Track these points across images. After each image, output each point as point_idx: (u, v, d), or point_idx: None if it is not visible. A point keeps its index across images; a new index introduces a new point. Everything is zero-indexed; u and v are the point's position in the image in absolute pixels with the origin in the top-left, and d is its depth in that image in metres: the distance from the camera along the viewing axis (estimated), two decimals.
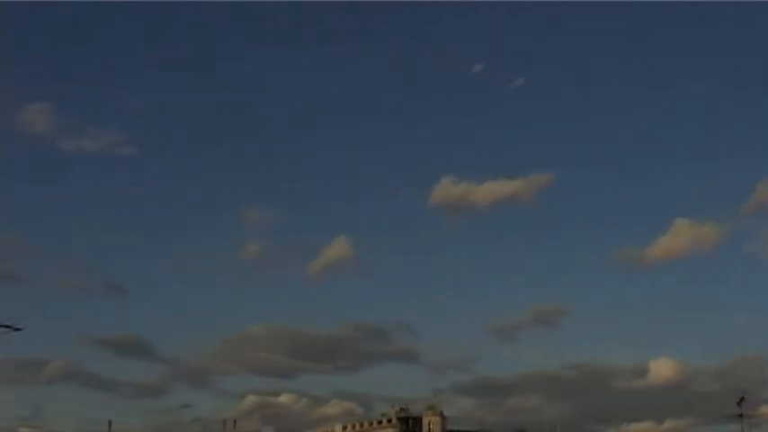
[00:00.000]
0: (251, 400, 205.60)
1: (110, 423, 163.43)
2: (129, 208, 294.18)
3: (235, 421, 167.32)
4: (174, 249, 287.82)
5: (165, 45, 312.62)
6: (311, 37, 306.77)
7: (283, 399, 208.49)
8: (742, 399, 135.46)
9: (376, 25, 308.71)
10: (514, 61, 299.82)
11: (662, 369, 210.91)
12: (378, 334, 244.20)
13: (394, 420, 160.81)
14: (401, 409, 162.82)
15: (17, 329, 78.29)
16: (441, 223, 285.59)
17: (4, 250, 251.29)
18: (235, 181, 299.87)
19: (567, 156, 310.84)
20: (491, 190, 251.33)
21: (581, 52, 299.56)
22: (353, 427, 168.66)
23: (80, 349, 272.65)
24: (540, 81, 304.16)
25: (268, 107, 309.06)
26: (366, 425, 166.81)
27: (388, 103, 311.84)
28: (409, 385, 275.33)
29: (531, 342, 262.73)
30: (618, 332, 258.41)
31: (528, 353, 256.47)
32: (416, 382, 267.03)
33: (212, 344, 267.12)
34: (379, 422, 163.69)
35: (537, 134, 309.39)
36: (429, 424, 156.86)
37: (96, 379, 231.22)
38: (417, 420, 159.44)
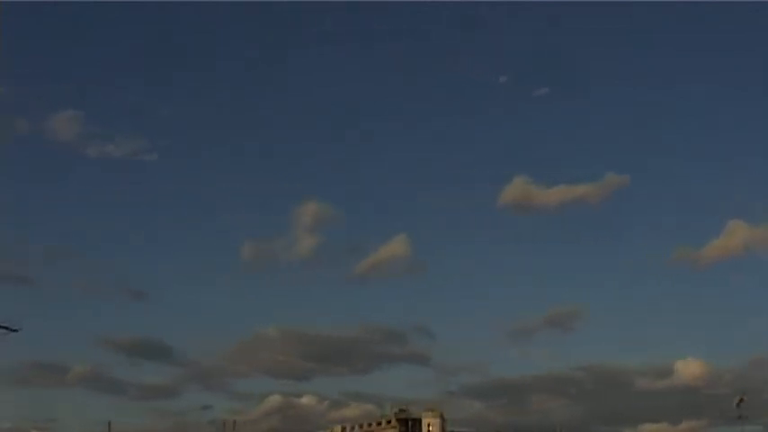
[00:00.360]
0: (274, 400, 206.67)
1: (109, 424, 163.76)
2: (154, 210, 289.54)
3: (234, 422, 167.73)
4: (198, 250, 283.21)
5: (169, 47, 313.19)
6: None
7: (305, 400, 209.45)
8: (741, 400, 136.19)
9: (376, 25, 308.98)
10: (540, 69, 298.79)
11: (689, 369, 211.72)
12: (393, 336, 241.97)
13: (393, 421, 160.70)
14: (400, 410, 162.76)
15: (14, 330, 78.53)
16: (507, 224, 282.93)
17: (22, 252, 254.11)
18: (286, 178, 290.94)
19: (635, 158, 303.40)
20: (561, 192, 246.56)
21: (604, 52, 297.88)
22: (352, 428, 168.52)
23: (95, 351, 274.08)
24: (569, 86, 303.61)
25: (299, 106, 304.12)
26: (366, 425, 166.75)
27: (403, 102, 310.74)
28: (422, 387, 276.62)
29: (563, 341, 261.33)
30: (645, 333, 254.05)
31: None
32: (429, 384, 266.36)
33: (229, 345, 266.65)
34: (378, 423, 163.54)
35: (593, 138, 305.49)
36: (428, 425, 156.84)
37: (109, 381, 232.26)
38: (417, 421, 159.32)
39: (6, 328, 78.28)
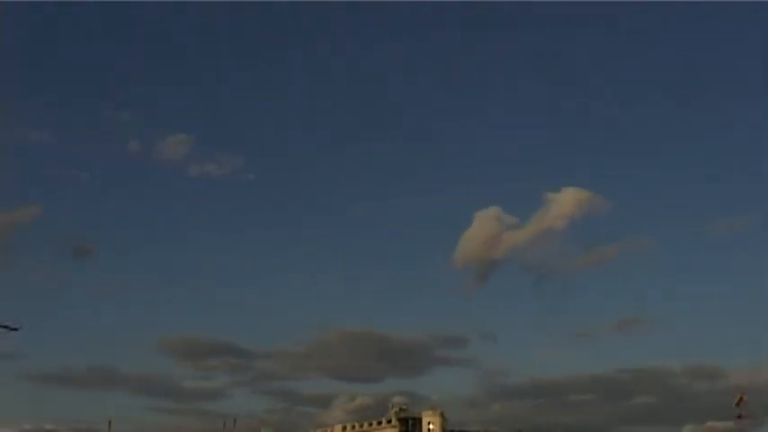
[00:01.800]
0: (363, 401, 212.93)
1: (110, 423, 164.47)
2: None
3: (234, 420, 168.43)
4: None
5: (169, 50, 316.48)
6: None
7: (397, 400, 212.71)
8: (740, 399, 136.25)
9: (376, 25, 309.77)
10: None
11: None
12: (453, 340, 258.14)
13: (394, 421, 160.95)
14: (401, 410, 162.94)
15: (14, 329, 78.85)
16: None
17: (107, 260, 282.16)
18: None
19: None
20: None
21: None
22: (353, 427, 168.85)
23: (158, 355, 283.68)
24: None
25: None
26: (366, 425, 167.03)
27: None
28: (466, 388, 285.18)
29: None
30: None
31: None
32: (473, 386, 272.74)
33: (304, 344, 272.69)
34: (379, 422, 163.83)
35: None
36: (428, 424, 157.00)
37: (163, 384, 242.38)
38: (417, 421, 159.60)
39: (6, 327, 78.59)
